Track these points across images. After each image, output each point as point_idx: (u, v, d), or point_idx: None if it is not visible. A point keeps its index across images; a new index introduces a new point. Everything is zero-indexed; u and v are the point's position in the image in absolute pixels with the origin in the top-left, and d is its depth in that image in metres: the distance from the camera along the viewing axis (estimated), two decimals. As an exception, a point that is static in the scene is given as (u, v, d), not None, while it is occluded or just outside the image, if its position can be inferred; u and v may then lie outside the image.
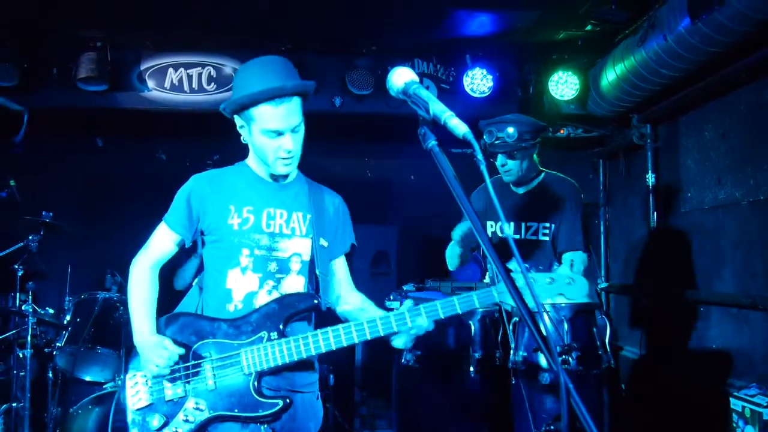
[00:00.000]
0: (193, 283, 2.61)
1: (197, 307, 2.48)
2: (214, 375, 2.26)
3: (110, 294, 4.48)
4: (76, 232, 4.71)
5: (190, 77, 5.25)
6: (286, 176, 2.45)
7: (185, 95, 5.23)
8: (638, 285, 5.45)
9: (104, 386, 4.26)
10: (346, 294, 2.58)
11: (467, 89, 5.34)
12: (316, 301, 2.35)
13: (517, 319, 3.30)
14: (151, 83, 5.21)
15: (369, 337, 2.24)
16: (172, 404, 2.26)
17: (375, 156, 5.89)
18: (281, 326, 2.28)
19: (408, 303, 2.26)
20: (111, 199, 5.68)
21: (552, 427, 2.95)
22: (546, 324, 3.02)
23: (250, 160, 2.48)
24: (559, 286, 2.20)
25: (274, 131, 2.27)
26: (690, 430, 4.43)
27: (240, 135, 2.41)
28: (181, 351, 2.27)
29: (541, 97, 5.44)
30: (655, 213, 5.15)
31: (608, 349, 3.24)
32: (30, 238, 4.38)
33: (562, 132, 5.70)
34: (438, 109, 1.57)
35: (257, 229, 2.37)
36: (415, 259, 5.71)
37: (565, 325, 3.14)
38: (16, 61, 4.91)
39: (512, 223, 3.65)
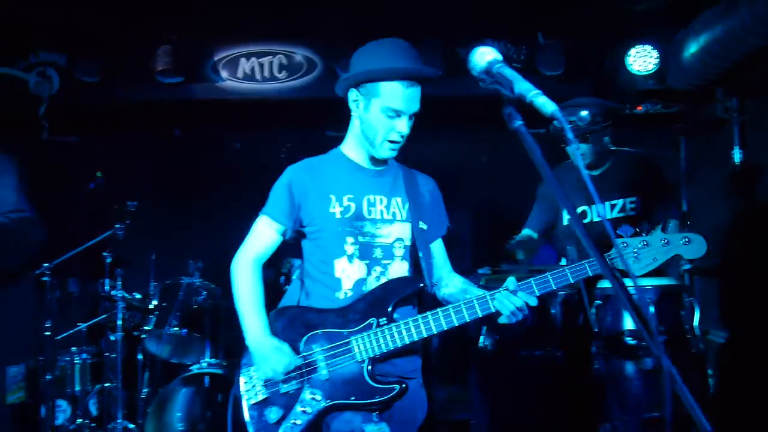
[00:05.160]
0: (294, 277, 2.63)
1: (299, 300, 2.48)
2: (327, 365, 2.27)
3: (193, 279, 4.56)
4: (159, 221, 4.91)
5: (261, 66, 5.29)
6: (385, 161, 2.44)
7: (257, 84, 5.28)
8: (725, 266, 5.23)
9: (190, 368, 4.37)
10: (446, 276, 2.55)
11: (539, 68, 5.21)
12: (421, 284, 2.35)
13: (600, 302, 3.22)
14: (224, 73, 5.29)
15: (480, 315, 2.21)
16: (288, 397, 2.28)
17: (445, 138, 5.82)
18: (389, 311, 2.28)
19: (511, 280, 2.21)
20: (191, 187, 5.82)
21: (656, 414, 2.87)
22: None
23: (347, 147, 2.47)
24: (676, 247, 2.13)
25: (395, 110, 2.26)
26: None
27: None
28: (299, 361, 2.28)
29: (616, 73, 5.25)
30: (741, 191, 4.92)
31: (697, 334, 3.13)
32: (117, 226, 4.50)
33: (640, 108, 5.49)
34: (524, 87, 1.53)
35: (359, 217, 2.36)
36: (489, 242, 5.65)
37: (651, 308, 3.04)
38: (98, 57, 5.07)
39: (594, 206, 3.57)
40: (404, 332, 2.22)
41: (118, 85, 5.20)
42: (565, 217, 3.66)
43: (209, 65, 5.28)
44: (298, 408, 2.25)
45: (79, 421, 4.55)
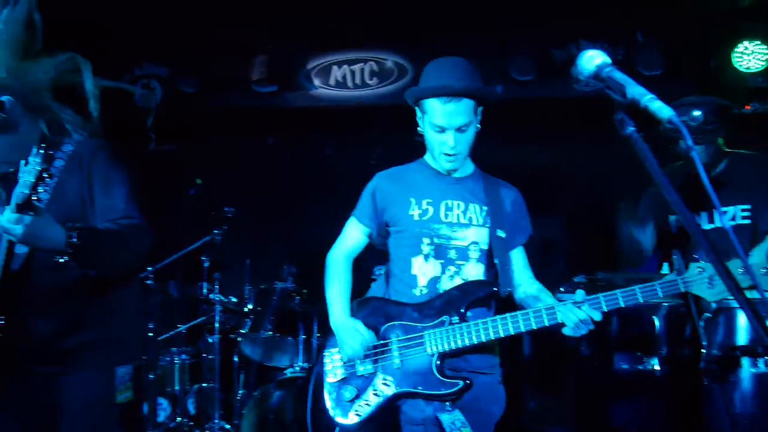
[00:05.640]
0: (380, 272, 2.79)
1: (384, 293, 2.65)
2: (400, 354, 2.42)
3: (286, 284, 4.62)
4: (255, 226, 4.99)
5: (353, 73, 5.39)
6: (454, 170, 2.56)
7: (349, 91, 5.40)
8: None
9: (284, 371, 4.41)
10: (524, 283, 2.61)
11: (638, 67, 5.02)
12: (494, 288, 2.46)
13: (710, 315, 3.04)
14: (317, 81, 5.42)
15: (546, 324, 2.27)
16: (363, 379, 2.46)
17: (539, 142, 5.68)
18: (462, 311, 2.40)
19: (580, 293, 2.26)
20: (284, 194, 5.91)
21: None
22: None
23: (428, 156, 2.63)
24: None
25: (438, 126, 2.41)
26: None
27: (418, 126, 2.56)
28: (372, 336, 2.46)
29: (722, 72, 4.98)
30: None
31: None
32: (215, 232, 4.62)
33: (748, 108, 5.19)
34: (637, 91, 1.49)
35: (436, 220, 2.51)
36: (585, 250, 5.47)
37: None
38: (197, 69, 5.28)
39: (704, 213, 3.37)
40: (473, 332, 2.34)
41: (216, 94, 5.40)
42: (673, 224, 3.48)
43: (302, 74, 5.42)
44: (370, 391, 2.43)
45: (179, 419, 4.68)
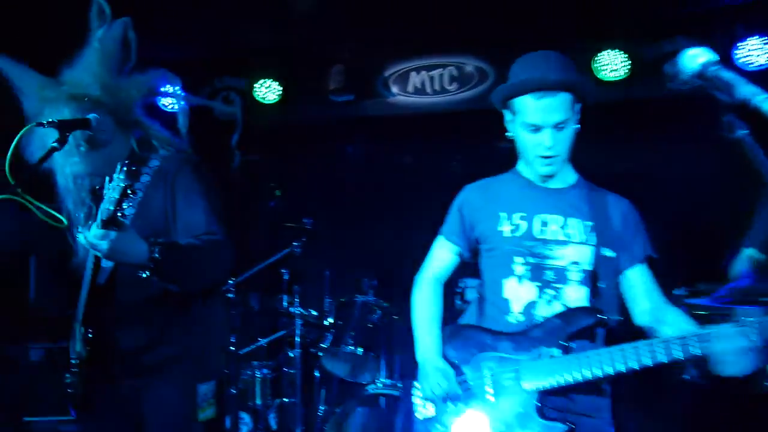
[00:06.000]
0: (474, 296, 2.68)
1: (478, 319, 2.43)
2: (494, 389, 2.19)
3: (367, 297, 4.56)
4: (334, 237, 4.91)
5: (432, 79, 5.29)
6: (551, 177, 2.32)
7: (428, 97, 5.30)
8: None
9: (366, 387, 4.33)
10: (652, 308, 2.29)
11: (739, 63, 4.71)
12: (602, 317, 2.17)
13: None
14: (394, 89, 5.34)
15: (681, 356, 1.93)
16: (453, 419, 2.24)
17: (631, 145, 5.41)
18: (564, 343, 2.15)
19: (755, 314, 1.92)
20: (363, 204, 5.86)
21: None
22: None
23: (521, 165, 2.41)
24: None
25: (532, 125, 2.20)
26: None
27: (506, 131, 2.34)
28: (458, 390, 2.23)
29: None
30: None
31: None
32: (294, 244, 4.59)
33: None
34: (748, 91, 1.39)
35: (529, 236, 2.27)
36: (682, 260, 5.12)
37: None
38: (275, 80, 5.30)
39: None
40: (577, 367, 2.07)
41: (294, 105, 5.40)
42: None
43: (379, 81, 5.35)
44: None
45: (261, 434, 4.66)
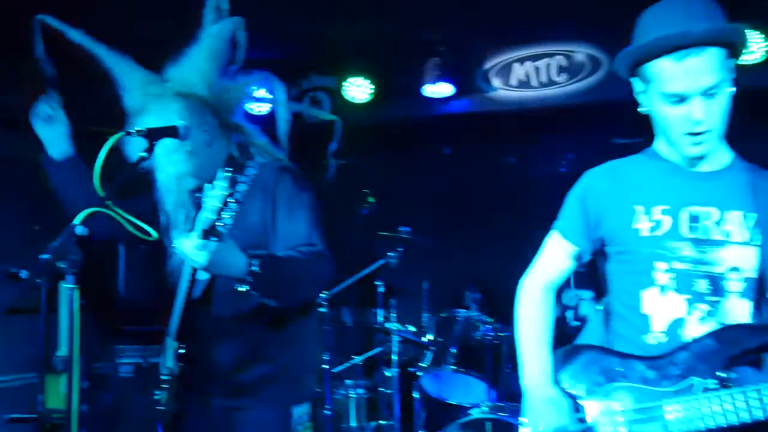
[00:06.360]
0: (597, 308, 2.24)
1: (603, 338, 2.08)
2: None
3: (470, 312, 4.34)
4: (432, 247, 4.72)
5: (537, 70, 5.02)
6: (701, 158, 1.89)
7: (533, 90, 5.03)
8: None
9: (469, 411, 4.07)
10: None
11: None
12: None
13: None
14: (496, 82, 5.11)
15: None
16: None
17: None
18: (722, 372, 1.76)
19: None
20: (463, 209, 5.71)
21: None
22: None
23: (660, 143, 2.00)
24: None
25: (674, 95, 1.79)
26: None
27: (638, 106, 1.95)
28: (578, 427, 1.87)
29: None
30: None
31: None
32: (390, 254, 4.47)
33: None
34: None
35: (674, 236, 1.88)
36: None
37: None
38: (367, 77, 5.19)
39: None
40: (742, 405, 1.70)
41: (386, 104, 5.30)
42: None
43: (479, 74, 5.16)
44: None
45: (356, 458, 4.60)
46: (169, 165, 2.25)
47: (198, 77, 2.23)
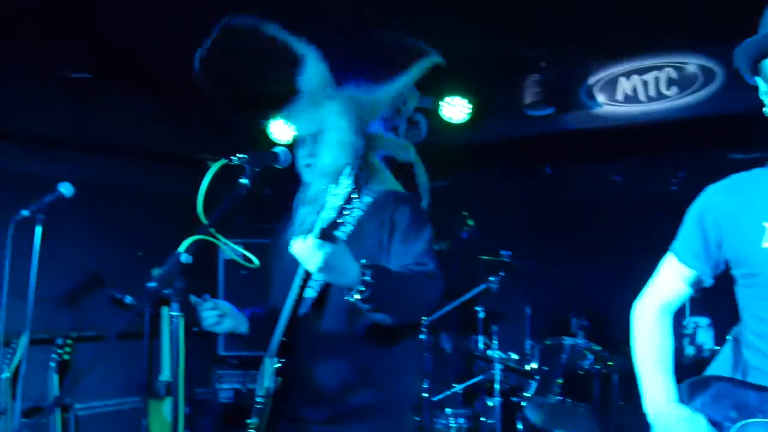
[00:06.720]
0: (728, 337, 2.05)
1: (734, 369, 1.91)
2: None
3: (577, 340, 4.23)
4: (535, 271, 4.66)
5: (645, 84, 4.77)
6: None
7: (641, 105, 4.78)
8: None
9: None
10: None
11: None
12: None
13: None
14: (601, 98, 4.90)
15: None
16: None
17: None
18: None
19: None
20: (567, 231, 5.56)
21: None
22: None
23: None
24: None
25: None
26: None
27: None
28: None
29: None
30: None
31: None
32: (491, 279, 4.44)
33: None
34: None
35: None
36: None
37: None
38: (464, 96, 5.08)
39: None
40: None
41: (485, 123, 5.19)
42: None
43: (583, 90, 4.96)
44: None
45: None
46: (301, 158, 2.32)
47: (367, 113, 2.33)
